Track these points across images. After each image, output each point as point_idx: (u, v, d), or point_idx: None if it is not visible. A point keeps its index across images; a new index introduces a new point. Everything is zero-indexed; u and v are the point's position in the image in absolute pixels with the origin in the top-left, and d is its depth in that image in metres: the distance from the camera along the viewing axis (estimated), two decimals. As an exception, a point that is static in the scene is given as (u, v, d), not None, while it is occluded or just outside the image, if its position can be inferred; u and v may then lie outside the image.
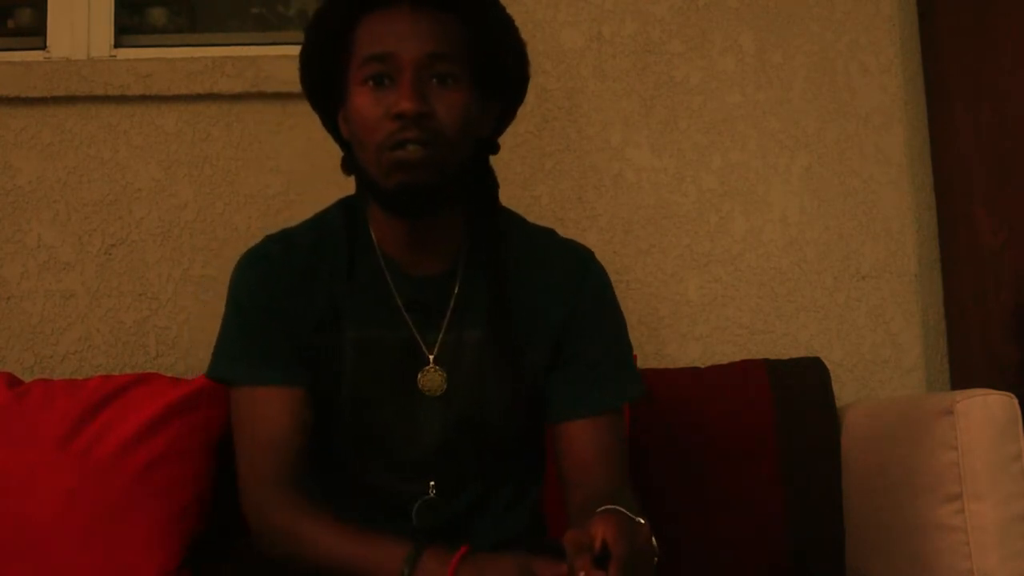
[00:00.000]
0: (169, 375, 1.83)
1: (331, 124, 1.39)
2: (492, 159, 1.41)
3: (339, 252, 1.36)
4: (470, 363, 1.35)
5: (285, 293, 1.33)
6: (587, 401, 1.35)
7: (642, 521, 1.11)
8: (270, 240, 1.39)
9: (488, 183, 1.40)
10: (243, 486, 1.33)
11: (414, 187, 1.26)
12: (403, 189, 1.26)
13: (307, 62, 1.36)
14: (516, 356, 1.35)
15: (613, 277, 1.45)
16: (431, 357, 1.34)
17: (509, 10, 1.36)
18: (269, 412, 1.31)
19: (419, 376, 1.34)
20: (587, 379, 1.36)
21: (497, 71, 1.33)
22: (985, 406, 1.61)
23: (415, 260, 1.35)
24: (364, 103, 1.27)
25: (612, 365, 1.39)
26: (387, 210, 1.32)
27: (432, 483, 1.35)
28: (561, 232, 1.47)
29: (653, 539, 1.13)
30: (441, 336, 1.35)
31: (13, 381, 1.78)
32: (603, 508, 1.10)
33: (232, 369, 1.34)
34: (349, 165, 1.36)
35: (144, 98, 2.04)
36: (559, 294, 1.38)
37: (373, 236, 1.37)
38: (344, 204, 1.41)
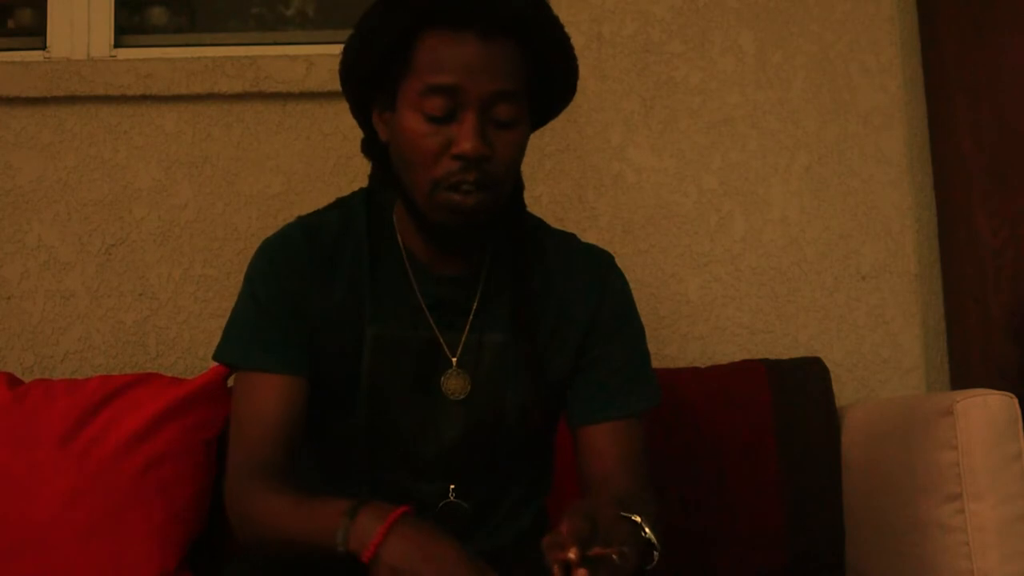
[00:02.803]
0: (169, 375, 1.83)
1: (363, 115, 1.34)
2: None
3: (361, 246, 1.34)
4: (491, 366, 1.33)
5: (302, 282, 1.31)
6: (609, 406, 1.34)
7: (647, 529, 1.11)
8: (292, 227, 1.35)
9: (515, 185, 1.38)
10: (226, 472, 1.28)
11: (462, 228, 1.25)
12: (450, 227, 1.25)
13: (352, 66, 1.29)
14: (539, 360, 1.34)
15: (614, 277, 1.45)
16: (454, 360, 1.33)
17: (509, 10, 1.35)
18: (263, 400, 1.27)
19: (442, 379, 1.32)
20: (609, 384, 1.35)
21: (549, 94, 1.32)
22: (985, 406, 1.61)
23: (439, 259, 1.33)
24: (420, 131, 1.22)
25: (633, 370, 1.38)
26: (425, 234, 1.30)
27: (452, 486, 1.33)
28: (561, 233, 1.46)
29: (653, 538, 1.13)
30: (464, 337, 1.33)
31: (13, 381, 1.78)
32: (574, 506, 1.06)
33: (237, 353, 1.32)
34: (370, 154, 1.33)
35: (144, 98, 2.04)
36: (582, 298, 1.37)
37: (398, 232, 1.35)
38: (367, 196, 1.37)
